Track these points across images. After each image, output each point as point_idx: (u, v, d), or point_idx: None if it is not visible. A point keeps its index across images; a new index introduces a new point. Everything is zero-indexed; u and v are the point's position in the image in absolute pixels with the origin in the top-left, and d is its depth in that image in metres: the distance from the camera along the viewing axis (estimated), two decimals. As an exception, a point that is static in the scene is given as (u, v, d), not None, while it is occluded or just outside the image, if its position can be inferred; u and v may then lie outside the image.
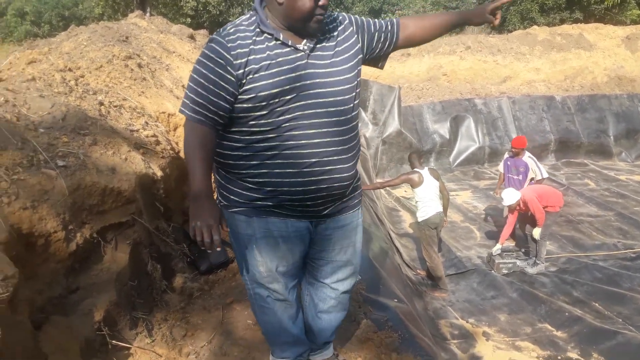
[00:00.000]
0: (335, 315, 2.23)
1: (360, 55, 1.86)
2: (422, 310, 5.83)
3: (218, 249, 1.69)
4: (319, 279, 2.15)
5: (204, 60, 1.70)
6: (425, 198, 6.24)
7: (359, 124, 2.05)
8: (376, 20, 1.97)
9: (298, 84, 1.69)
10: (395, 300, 3.29)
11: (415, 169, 6.30)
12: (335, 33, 1.82)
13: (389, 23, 1.95)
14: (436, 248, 6.46)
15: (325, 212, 1.94)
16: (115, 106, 3.26)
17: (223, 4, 20.58)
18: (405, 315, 3.10)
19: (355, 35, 1.86)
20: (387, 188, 10.79)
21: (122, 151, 2.78)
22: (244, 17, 1.78)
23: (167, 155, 3.29)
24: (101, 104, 3.14)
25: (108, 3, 21.68)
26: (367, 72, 15.67)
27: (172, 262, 3.09)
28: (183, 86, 4.81)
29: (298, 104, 1.71)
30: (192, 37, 6.42)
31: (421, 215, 6.30)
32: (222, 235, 1.71)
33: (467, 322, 5.78)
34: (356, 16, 1.93)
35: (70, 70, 3.47)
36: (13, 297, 1.92)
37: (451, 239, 8.14)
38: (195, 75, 1.72)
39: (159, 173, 3.02)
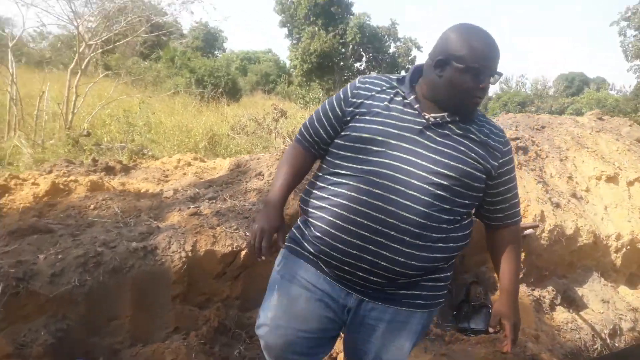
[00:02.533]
0: None
1: (476, 177, 1.62)
2: None
3: (262, 258, 1.66)
4: None
5: (336, 95, 1.80)
6: None
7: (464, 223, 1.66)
8: (513, 199, 1.77)
9: (392, 141, 1.59)
10: None
11: None
12: (478, 136, 1.65)
13: (497, 212, 1.77)
14: None
15: (364, 289, 1.68)
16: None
17: None
18: None
19: (495, 163, 1.66)
20: None
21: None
22: (395, 75, 1.81)
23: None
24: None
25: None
26: None
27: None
28: (570, 177, 4.77)
29: (381, 159, 1.58)
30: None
31: None
32: (277, 245, 1.71)
33: None
34: (513, 160, 1.76)
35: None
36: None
37: None
38: (320, 107, 1.83)
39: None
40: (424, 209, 1.56)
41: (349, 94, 1.71)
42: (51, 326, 2.31)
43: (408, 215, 1.55)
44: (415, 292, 1.68)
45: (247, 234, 2.91)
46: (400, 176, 1.56)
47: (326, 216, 1.63)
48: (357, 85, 1.73)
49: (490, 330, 1.82)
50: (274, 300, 1.73)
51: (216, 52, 38.55)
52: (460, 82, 1.58)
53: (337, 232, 1.60)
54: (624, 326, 4.16)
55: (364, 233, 1.57)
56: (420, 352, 3.20)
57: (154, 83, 18.90)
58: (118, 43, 10.57)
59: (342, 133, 1.69)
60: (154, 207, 3.09)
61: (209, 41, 38.30)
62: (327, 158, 1.74)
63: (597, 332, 3.98)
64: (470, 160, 1.61)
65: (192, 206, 3.05)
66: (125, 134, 8.46)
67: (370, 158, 1.59)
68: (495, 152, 1.67)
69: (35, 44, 20.46)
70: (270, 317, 1.73)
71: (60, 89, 9.04)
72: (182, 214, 2.94)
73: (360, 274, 1.62)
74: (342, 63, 31.74)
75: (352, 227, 1.58)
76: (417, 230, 1.56)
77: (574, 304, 4.16)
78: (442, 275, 1.73)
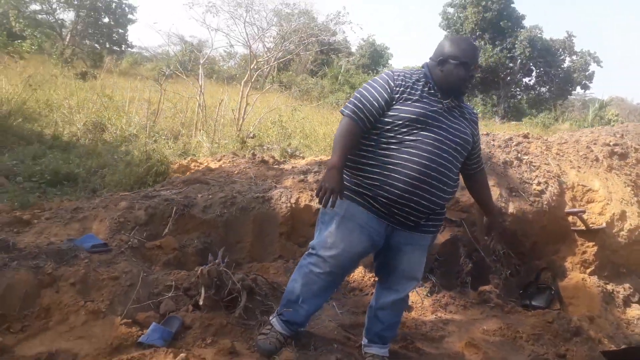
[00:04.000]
0: (390, 313, 2.66)
1: (470, 143, 2.44)
2: None
3: (332, 208, 2.20)
4: (386, 283, 2.61)
5: (374, 81, 2.38)
6: None
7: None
8: (479, 150, 2.61)
9: (429, 121, 2.29)
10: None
11: None
12: (467, 115, 2.47)
13: (477, 162, 2.61)
14: None
15: (402, 221, 2.36)
16: (532, 164, 4.41)
17: None
18: None
19: (475, 132, 2.50)
20: None
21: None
22: (412, 69, 2.49)
23: (541, 208, 4.12)
24: (519, 159, 4.41)
25: None
26: None
27: (489, 274, 4.01)
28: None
29: (424, 132, 2.28)
30: None
31: None
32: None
33: None
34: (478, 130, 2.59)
35: (547, 144, 4.81)
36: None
37: None
38: (363, 90, 2.36)
39: (511, 209, 4.03)
40: (452, 166, 2.36)
41: (392, 84, 2.34)
42: (201, 239, 3.56)
43: (447, 171, 2.33)
44: (430, 223, 2.46)
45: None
46: (440, 145, 2.30)
47: (383, 172, 2.28)
48: (394, 77, 2.36)
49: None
50: (331, 230, 2.40)
51: (380, 69, 40.05)
52: (456, 73, 2.36)
53: (393, 182, 2.27)
54: None
55: (413, 182, 2.26)
56: (476, 314, 3.80)
57: (318, 98, 20.93)
58: (282, 59, 12.27)
59: (390, 112, 2.30)
60: (277, 175, 4.26)
61: (375, 58, 39.80)
62: (379, 132, 2.32)
63: (676, 334, 4.06)
64: (469, 132, 2.43)
65: (302, 176, 4.14)
66: (283, 138, 10.04)
67: (416, 130, 2.28)
68: (474, 124, 2.51)
69: (224, 62, 24.29)
70: (335, 242, 2.39)
71: (237, 99, 11.06)
72: (293, 180, 4.05)
73: (406, 210, 2.30)
74: (509, 78, 30.61)
75: (406, 179, 2.25)
76: (446, 182, 2.34)
77: (656, 304, 4.27)
78: (445, 209, 2.55)
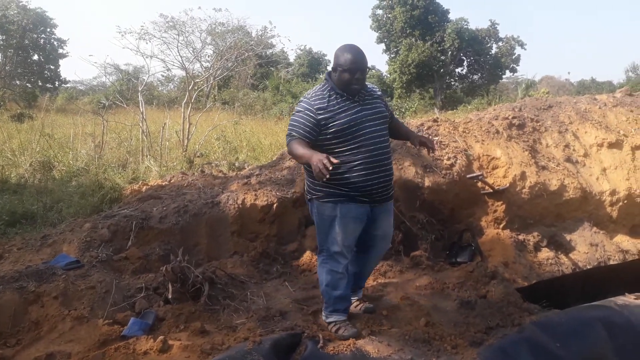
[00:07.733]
0: (371, 267, 3.53)
1: (385, 112, 3.13)
2: None
3: (327, 176, 2.61)
4: (367, 248, 3.30)
5: (300, 112, 2.94)
6: None
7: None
8: (389, 107, 3.28)
9: (358, 120, 2.93)
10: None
11: None
12: (374, 93, 3.12)
13: (392, 116, 3.29)
14: None
15: (379, 199, 3.07)
16: (442, 143, 5.10)
17: None
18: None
19: (383, 100, 3.18)
20: None
21: (403, 164, 4.73)
22: (317, 87, 3.04)
23: (452, 179, 4.81)
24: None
25: None
26: None
27: (418, 241, 4.66)
28: (567, 145, 5.62)
29: (362, 130, 2.93)
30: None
31: None
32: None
33: None
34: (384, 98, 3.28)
35: (454, 124, 5.52)
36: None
37: None
38: (292, 121, 2.94)
39: (427, 183, 4.69)
40: (386, 138, 3.10)
41: (315, 110, 2.91)
42: (162, 246, 4.02)
43: (386, 144, 3.06)
44: (390, 192, 3.18)
45: (278, 193, 4.44)
46: (375, 130, 2.99)
47: (353, 173, 2.93)
48: (312, 103, 2.93)
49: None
50: (336, 231, 3.03)
51: (319, 75, 40.56)
52: (343, 78, 2.94)
53: (365, 176, 2.96)
54: (610, 263, 4.94)
55: (375, 170, 2.98)
56: (411, 275, 4.43)
57: (261, 110, 21.39)
58: (221, 76, 12.66)
59: (326, 131, 2.91)
60: (223, 182, 4.77)
61: (313, 66, 40.28)
62: (333, 146, 2.92)
63: (579, 267, 4.84)
64: (382, 105, 3.12)
65: (245, 180, 4.67)
66: (229, 152, 10.47)
67: (358, 131, 2.93)
68: (380, 96, 3.17)
69: (163, 87, 24.43)
70: (342, 238, 3.05)
71: (180, 122, 11.42)
72: (238, 184, 4.57)
73: (379, 190, 3.02)
74: (442, 70, 31.99)
75: (370, 170, 2.96)
76: (389, 157, 3.10)
77: (561, 247, 5.05)
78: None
